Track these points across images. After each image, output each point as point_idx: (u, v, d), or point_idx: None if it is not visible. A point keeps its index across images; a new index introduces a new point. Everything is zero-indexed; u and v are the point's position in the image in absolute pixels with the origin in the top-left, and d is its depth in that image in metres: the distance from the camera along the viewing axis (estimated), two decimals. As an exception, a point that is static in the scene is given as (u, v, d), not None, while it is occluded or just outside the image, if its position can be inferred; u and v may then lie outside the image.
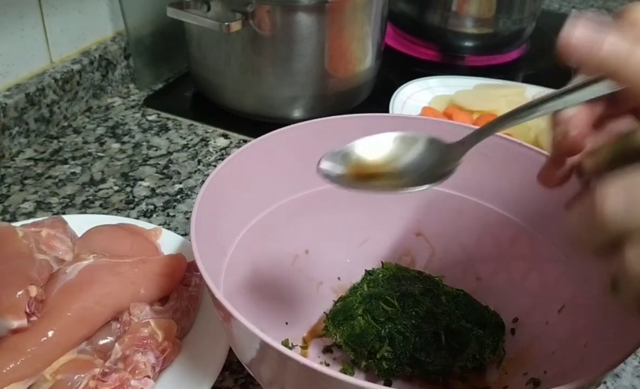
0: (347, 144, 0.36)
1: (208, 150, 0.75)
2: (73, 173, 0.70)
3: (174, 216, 0.64)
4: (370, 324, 0.46)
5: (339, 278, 0.53)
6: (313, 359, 0.47)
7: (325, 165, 0.35)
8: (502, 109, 0.75)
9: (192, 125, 0.79)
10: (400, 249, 0.54)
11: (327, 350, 0.49)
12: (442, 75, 0.85)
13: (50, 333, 0.43)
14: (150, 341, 0.44)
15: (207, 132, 0.78)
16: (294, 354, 0.31)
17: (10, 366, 0.41)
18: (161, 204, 0.65)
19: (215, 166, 0.57)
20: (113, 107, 0.83)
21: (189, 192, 0.67)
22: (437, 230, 0.53)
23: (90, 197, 0.66)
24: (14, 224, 0.52)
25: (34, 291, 0.43)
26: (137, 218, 0.63)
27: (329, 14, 0.72)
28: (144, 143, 0.76)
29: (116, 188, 0.68)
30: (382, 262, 0.53)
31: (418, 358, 0.45)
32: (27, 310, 0.42)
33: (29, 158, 0.72)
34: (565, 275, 0.45)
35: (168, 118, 0.81)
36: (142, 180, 0.69)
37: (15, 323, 0.42)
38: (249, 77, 0.75)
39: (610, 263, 0.26)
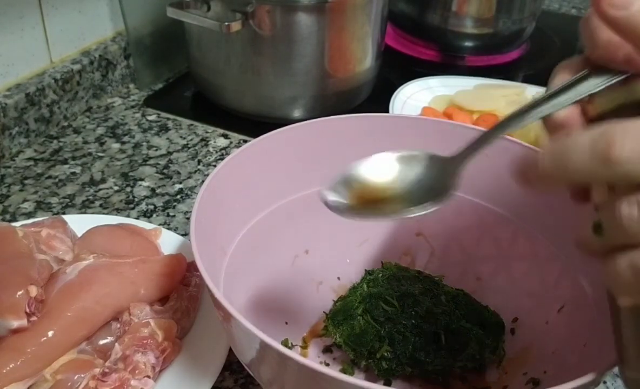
0: (345, 169, 0.35)
1: (208, 150, 0.75)
2: (73, 173, 0.70)
3: (174, 216, 0.64)
4: (370, 324, 0.46)
5: (338, 278, 0.53)
6: (313, 359, 0.47)
7: (331, 196, 0.35)
8: (502, 109, 0.75)
9: (192, 125, 0.79)
10: (400, 249, 0.54)
11: (327, 350, 0.49)
12: (442, 75, 0.85)
13: (50, 333, 0.43)
14: (150, 341, 0.44)
15: (207, 132, 0.78)
16: (294, 354, 0.31)
17: (10, 366, 0.41)
18: (161, 204, 0.66)
19: (215, 166, 0.57)
20: (113, 107, 0.83)
21: (189, 192, 0.67)
22: (437, 229, 0.53)
23: (90, 197, 0.66)
24: (14, 224, 0.52)
25: (34, 291, 0.43)
26: (137, 218, 0.63)
27: (329, 14, 0.72)
28: (144, 143, 0.76)
29: (116, 188, 0.68)
30: (381, 262, 0.53)
31: (418, 357, 0.45)
32: (27, 310, 0.42)
33: (29, 158, 0.72)
34: (565, 275, 0.45)
35: (168, 118, 0.81)
36: (142, 180, 0.69)
37: (15, 323, 0.42)
38: (249, 77, 0.75)
39: (600, 206, 0.26)
